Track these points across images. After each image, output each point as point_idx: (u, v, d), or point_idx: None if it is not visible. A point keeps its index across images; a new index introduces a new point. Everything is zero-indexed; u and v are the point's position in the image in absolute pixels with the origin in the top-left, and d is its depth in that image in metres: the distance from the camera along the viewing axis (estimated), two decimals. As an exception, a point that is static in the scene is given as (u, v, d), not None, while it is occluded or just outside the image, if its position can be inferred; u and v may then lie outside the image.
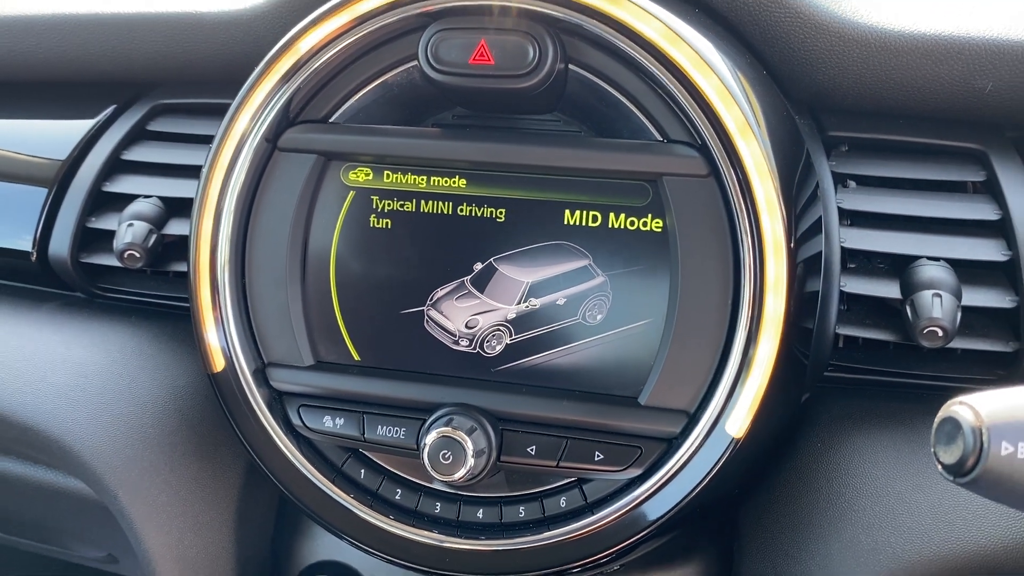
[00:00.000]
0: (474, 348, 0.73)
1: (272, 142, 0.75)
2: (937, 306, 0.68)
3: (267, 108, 0.73)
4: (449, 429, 0.68)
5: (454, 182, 0.73)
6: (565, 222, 0.72)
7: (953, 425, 0.46)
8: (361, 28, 0.71)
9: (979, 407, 0.46)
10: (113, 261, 0.88)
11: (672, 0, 0.70)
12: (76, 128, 0.95)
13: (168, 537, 0.83)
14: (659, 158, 0.69)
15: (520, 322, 0.73)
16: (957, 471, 0.45)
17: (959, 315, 0.69)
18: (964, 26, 0.76)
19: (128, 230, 0.84)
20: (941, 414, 0.47)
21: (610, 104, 0.71)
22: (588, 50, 0.70)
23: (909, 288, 0.71)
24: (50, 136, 0.96)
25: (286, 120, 0.75)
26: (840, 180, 0.77)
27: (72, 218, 0.90)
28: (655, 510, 0.69)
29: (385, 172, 0.74)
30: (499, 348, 0.73)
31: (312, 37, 0.72)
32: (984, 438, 0.45)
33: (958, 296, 0.70)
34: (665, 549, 0.80)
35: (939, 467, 0.47)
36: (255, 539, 0.91)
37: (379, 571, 0.87)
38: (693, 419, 0.68)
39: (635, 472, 0.69)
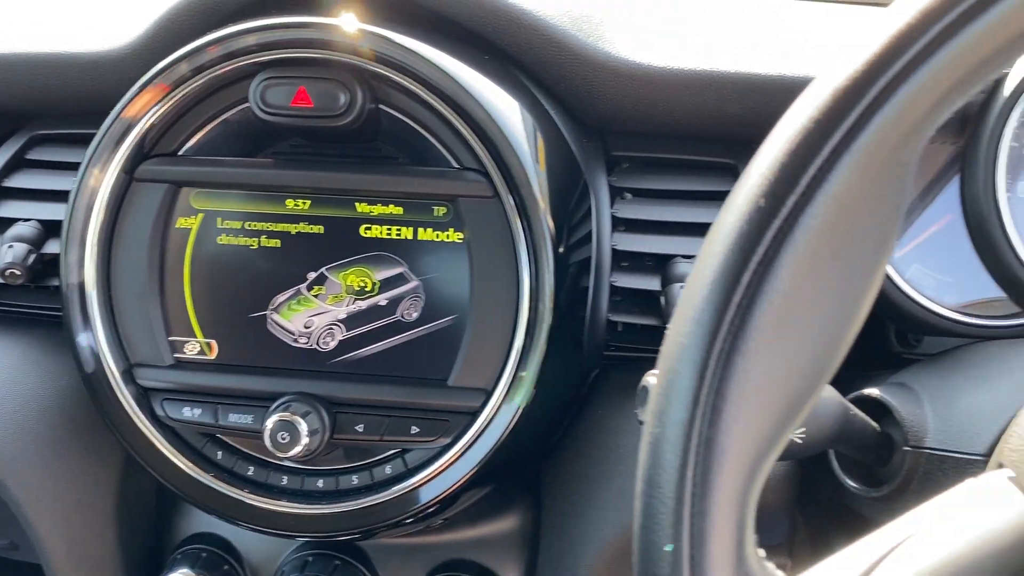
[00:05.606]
0: (311, 344, 0.86)
1: (129, 174, 0.86)
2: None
3: (123, 145, 0.85)
4: (287, 414, 0.80)
5: (289, 204, 0.86)
6: (383, 235, 0.85)
7: (645, 391, 0.60)
8: (201, 76, 0.83)
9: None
10: (-3, 278, 0.98)
11: (463, 50, 0.84)
12: (-42, 158, 1.04)
13: (54, 519, 0.94)
14: (455, 183, 0.82)
15: (350, 321, 0.86)
16: (649, 427, 0.60)
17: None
18: (716, 62, 0.91)
19: (9, 251, 0.94)
20: (641, 382, 0.62)
21: (416, 137, 0.84)
22: (395, 93, 0.83)
23: (665, 281, 0.86)
24: (-66, 166, 1.04)
25: (140, 154, 0.86)
26: (618, 193, 0.92)
27: (-43, 241, 1.00)
28: (463, 469, 0.82)
29: (227, 197, 0.86)
30: (332, 344, 0.86)
31: (158, 84, 0.84)
32: (666, 401, 0.59)
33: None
34: (484, 502, 0.95)
35: (640, 424, 0.62)
36: (137, 518, 1.02)
37: (244, 538, 0.99)
38: (490, 395, 0.81)
39: (445, 440, 0.83)
